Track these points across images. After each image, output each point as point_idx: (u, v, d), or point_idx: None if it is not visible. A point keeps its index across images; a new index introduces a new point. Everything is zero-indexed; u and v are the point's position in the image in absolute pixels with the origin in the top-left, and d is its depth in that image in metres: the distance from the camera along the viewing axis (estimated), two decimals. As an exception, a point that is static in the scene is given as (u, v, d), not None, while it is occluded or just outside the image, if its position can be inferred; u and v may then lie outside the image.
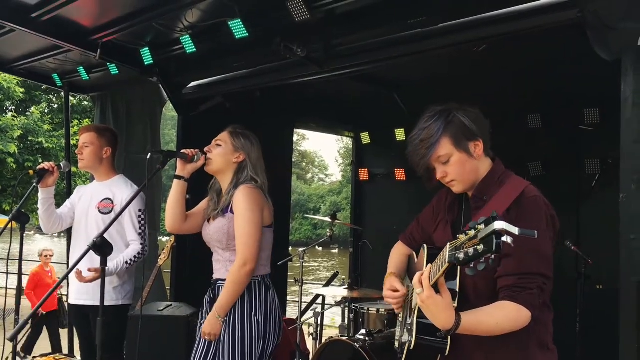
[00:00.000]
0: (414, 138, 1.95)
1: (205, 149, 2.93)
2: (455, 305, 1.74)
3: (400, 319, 2.13)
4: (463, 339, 1.84)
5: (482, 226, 1.42)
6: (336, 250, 32.15)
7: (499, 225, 1.38)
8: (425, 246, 1.97)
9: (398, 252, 2.33)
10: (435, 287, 1.67)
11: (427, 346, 1.85)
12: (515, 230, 1.38)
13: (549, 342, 1.94)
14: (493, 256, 1.41)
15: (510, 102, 5.08)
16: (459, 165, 1.91)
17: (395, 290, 2.07)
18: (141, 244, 3.47)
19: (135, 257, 3.45)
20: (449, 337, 1.79)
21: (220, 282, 2.85)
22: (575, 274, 4.48)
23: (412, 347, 1.84)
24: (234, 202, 2.79)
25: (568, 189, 4.93)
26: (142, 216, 3.51)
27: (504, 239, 1.38)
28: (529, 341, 1.87)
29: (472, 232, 1.46)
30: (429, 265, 1.67)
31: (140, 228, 3.49)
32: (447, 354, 1.83)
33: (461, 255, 1.47)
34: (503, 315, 1.75)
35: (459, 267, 1.73)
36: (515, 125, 5.18)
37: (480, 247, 1.41)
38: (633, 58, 2.29)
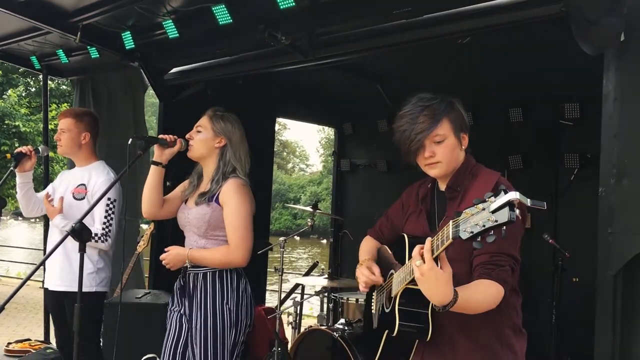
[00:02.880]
0: (411, 112, 1.98)
1: (187, 136, 2.91)
2: None
3: (374, 310, 2.16)
4: (444, 323, 1.89)
5: (493, 199, 1.42)
6: (325, 241, 32.01)
7: (513, 195, 1.38)
8: (406, 235, 1.99)
9: (367, 244, 2.38)
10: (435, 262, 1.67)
11: (408, 332, 1.87)
12: (527, 201, 1.39)
13: (520, 326, 2.02)
14: (505, 227, 1.41)
15: (492, 95, 5.12)
16: (449, 149, 1.98)
17: (373, 273, 2.11)
18: (102, 232, 3.40)
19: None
20: (430, 322, 1.83)
21: (190, 270, 2.85)
22: (552, 266, 4.55)
23: (394, 334, 1.85)
24: (223, 194, 2.79)
25: (547, 182, 4.98)
26: (111, 205, 3.45)
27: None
28: (503, 324, 1.95)
29: (479, 206, 1.45)
30: (430, 238, 1.64)
31: (105, 217, 3.42)
32: (428, 338, 1.86)
33: (468, 230, 1.45)
34: (486, 291, 1.79)
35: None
36: (497, 118, 5.22)
37: (493, 219, 1.40)
38: (615, 53, 2.31)
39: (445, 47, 3.87)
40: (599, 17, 2.35)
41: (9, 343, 4.98)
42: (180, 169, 3.11)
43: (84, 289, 3.31)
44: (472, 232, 1.45)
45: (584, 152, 4.74)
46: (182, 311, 2.88)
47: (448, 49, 4.04)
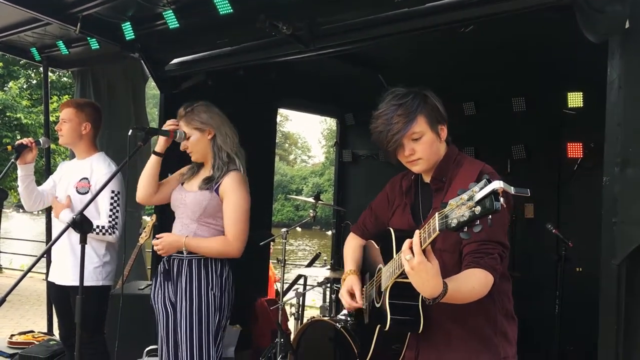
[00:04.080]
0: (385, 113, 1.98)
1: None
2: None
3: (364, 306, 2.15)
4: (436, 313, 1.90)
5: (477, 189, 1.42)
6: (329, 233, 31.94)
7: (497, 184, 1.38)
8: (392, 229, 1.98)
9: (352, 246, 2.38)
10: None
11: (400, 326, 1.88)
12: (511, 189, 1.39)
13: (512, 311, 2.03)
14: (490, 217, 1.41)
15: (494, 84, 5.08)
16: (428, 145, 1.98)
17: (352, 294, 2.14)
18: (109, 224, 3.39)
19: (95, 227, 3.38)
20: (421, 314, 1.84)
21: (175, 255, 2.92)
22: (556, 256, 4.53)
23: (387, 328, 1.85)
24: (224, 186, 2.87)
25: (550, 172, 4.97)
26: (115, 198, 3.43)
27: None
28: (496, 310, 1.96)
29: (464, 197, 1.45)
30: (418, 232, 1.65)
31: (111, 210, 3.41)
32: (420, 330, 1.86)
33: (454, 221, 1.46)
34: (475, 280, 1.79)
35: None
36: (500, 108, 5.19)
37: (478, 209, 1.40)
38: (620, 41, 2.28)
39: (447, 35, 3.84)
40: (603, 4, 2.32)
41: (12, 335, 4.99)
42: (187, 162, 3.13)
43: (91, 283, 3.33)
44: (457, 223, 1.45)
45: (587, 141, 4.72)
46: (164, 294, 2.95)
47: (451, 38, 4.01)
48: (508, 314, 2.01)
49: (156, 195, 3.03)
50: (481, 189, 1.41)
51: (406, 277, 1.69)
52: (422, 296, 1.79)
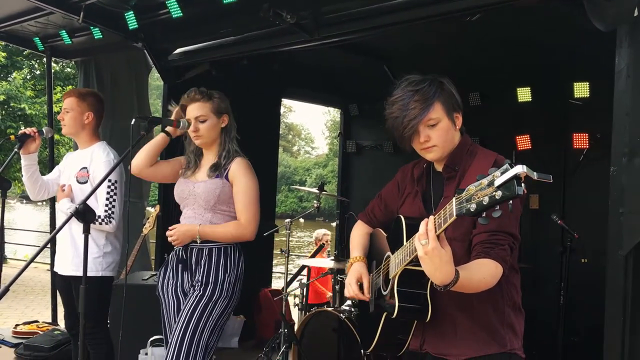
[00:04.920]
0: (402, 98, 1.95)
1: (191, 131, 2.91)
2: None
3: (370, 299, 2.14)
4: (443, 302, 1.88)
5: (498, 174, 1.40)
6: (334, 224, 31.91)
7: (520, 169, 1.35)
8: (403, 217, 1.96)
9: (359, 233, 2.35)
10: None
11: (407, 314, 1.86)
12: (534, 174, 1.37)
13: (520, 304, 2.01)
14: (511, 202, 1.39)
15: (500, 74, 5.05)
16: (443, 132, 1.95)
17: (361, 283, 2.12)
18: (105, 214, 3.37)
19: None
20: (429, 302, 1.82)
21: (193, 245, 2.89)
22: (561, 247, 4.51)
23: (394, 316, 1.83)
24: (233, 172, 2.88)
25: (555, 163, 4.94)
26: (112, 187, 3.40)
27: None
28: (504, 302, 1.93)
29: (484, 182, 1.42)
30: (432, 217, 1.63)
31: (107, 199, 3.39)
32: (428, 319, 1.84)
33: (473, 206, 1.43)
34: (486, 270, 1.77)
35: None
36: (505, 98, 5.16)
37: (499, 194, 1.38)
38: (628, 30, 2.26)
39: (453, 25, 3.81)
40: (611, -8, 2.29)
41: (17, 325, 5.01)
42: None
43: (91, 274, 3.31)
44: (476, 208, 1.43)
45: (593, 132, 4.69)
46: (177, 283, 2.94)
47: (456, 27, 3.98)
48: (516, 306, 1.99)
49: (150, 169, 3.03)
50: (503, 173, 1.38)
51: (417, 264, 1.68)
52: (430, 285, 1.78)
